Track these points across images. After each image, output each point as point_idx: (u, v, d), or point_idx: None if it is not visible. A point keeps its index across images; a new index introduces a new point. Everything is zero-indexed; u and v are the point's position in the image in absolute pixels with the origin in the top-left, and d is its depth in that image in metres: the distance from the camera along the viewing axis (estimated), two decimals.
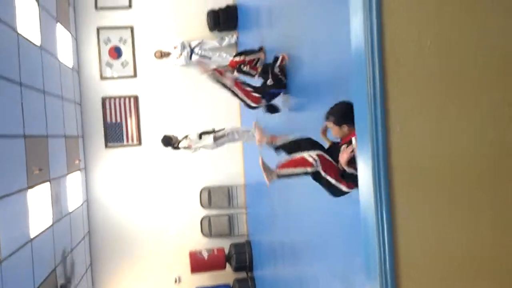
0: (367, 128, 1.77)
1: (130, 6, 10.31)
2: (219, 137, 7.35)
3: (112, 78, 10.28)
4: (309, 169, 3.44)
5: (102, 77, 10.23)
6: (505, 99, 1.79)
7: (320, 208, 4.70)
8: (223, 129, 7.62)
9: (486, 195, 1.81)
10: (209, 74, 6.08)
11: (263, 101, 6.04)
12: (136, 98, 10.30)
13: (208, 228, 10.34)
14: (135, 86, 10.33)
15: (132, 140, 10.30)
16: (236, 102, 9.83)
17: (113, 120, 10.21)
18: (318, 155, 3.41)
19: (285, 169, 3.56)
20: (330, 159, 3.41)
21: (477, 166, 1.80)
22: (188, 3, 10.36)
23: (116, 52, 10.25)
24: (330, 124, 3.26)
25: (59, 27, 8.58)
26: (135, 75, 10.33)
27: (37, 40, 7.14)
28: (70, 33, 9.44)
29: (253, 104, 6.09)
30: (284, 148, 3.91)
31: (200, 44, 9.86)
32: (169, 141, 7.32)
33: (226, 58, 9.36)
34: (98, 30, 10.18)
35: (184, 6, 10.35)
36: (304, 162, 3.45)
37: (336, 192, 3.48)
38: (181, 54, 9.81)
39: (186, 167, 10.30)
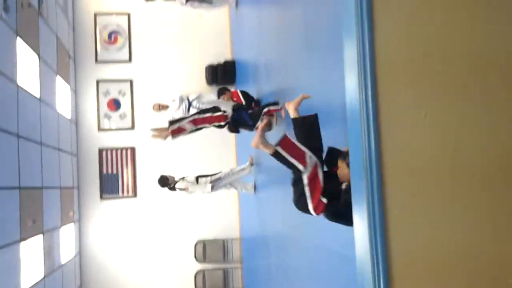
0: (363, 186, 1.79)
1: (130, 60, 10.52)
2: (215, 181, 7.45)
3: (110, 129, 10.35)
4: (300, 167, 3.43)
5: (100, 129, 10.29)
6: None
7: (319, 264, 4.63)
8: (219, 172, 7.70)
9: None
10: (171, 138, 6.28)
11: (229, 117, 6.18)
12: (133, 150, 10.33)
13: (202, 283, 10.12)
14: (132, 138, 10.39)
15: (128, 192, 10.25)
16: (231, 146, 9.97)
17: (109, 172, 10.20)
18: (316, 163, 3.42)
19: (284, 152, 3.52)
20: (320, 177, 3.41)
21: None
22: (186, 57, 10.59)
23: (115, 104, 10.37)
24: (343, 165, 3.24)
25: (59, 80, 8.71)
26: (133, 127, 10.41)
27: (36, 92, 7.23)
28: (69, 85, 9.57)
29: (222, 123, 6.25)
30: (304, 127, 3.77)
31: (198, 97, 9.98)
32: (165, 182, 7.37)
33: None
34: (97, 82, 10.34)
35: (183, 61, 10.57)
36: (302, 158, 3.44)
37: (301, 205, 3.49)
38: (179, 107, 9.91)
39: (181, 219, 10.21)
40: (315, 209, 3.40)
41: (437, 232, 1.79)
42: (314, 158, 3.46)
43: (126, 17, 10.57)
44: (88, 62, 10.33)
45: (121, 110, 10.38)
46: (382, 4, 1.86)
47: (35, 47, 7.23)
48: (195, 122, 6.21)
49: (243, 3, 9.01)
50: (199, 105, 9.95)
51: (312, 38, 4.71)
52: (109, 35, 10.45)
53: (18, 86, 6.39)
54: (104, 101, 10.34)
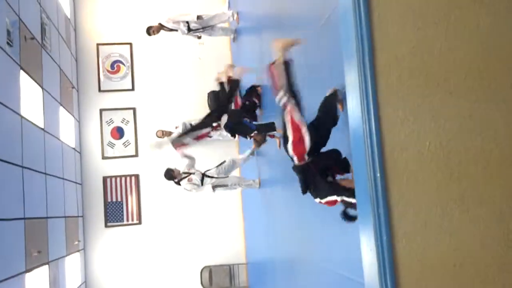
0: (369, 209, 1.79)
1: (133, 88, 10.61)
2: (220, 186, 7.69)
3: (114, 157, 10.38)
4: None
5: (104, 157, 10.32)
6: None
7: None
8: (224, 162, 7.83)
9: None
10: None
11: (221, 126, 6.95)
12: (137, 177, 10.34)
13: None
14: (136, 165, 10.41)
15: (132, 219, 10.23)
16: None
17: (114, 199, 10.19)
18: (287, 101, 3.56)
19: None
20: (297, 117, 3.47)
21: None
22: (189, 85, 10.67)
23: (118, 133, 10.43)
24: None
25: (62, 110, 8.77)
26: (136, 155, 10.44)
27: (40, 123, 7.27)
28: (73, 115, 9.63)
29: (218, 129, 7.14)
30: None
31: None
32: (171, 174, 7.44)
33: (226, 136, 9.49)
34: (101, 111, 10.41)
35: (185, 88, 10.65)
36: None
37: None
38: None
39: (187, 245, 10.16)
40: (293, 149, 3.46)
41: (447, 259, 1.78)
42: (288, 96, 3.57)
43: (129, 46, 10.70)
44: (91, 91, 10.42)
45: (124, 138, 10.43)
46: (382, 32, 1.89)
47: (38, 79, 7.31)
48: (197, 139, 6.76)
49: (242, 34, 9.16)
50: None
51: (311, 61, 4.76)
52: (112, 65, 10.56)
53: (22, 117, 6.43)
54: (107, 130, 10.40)
